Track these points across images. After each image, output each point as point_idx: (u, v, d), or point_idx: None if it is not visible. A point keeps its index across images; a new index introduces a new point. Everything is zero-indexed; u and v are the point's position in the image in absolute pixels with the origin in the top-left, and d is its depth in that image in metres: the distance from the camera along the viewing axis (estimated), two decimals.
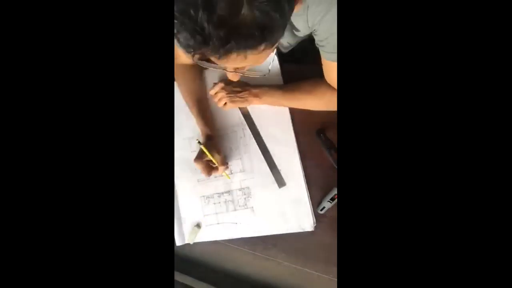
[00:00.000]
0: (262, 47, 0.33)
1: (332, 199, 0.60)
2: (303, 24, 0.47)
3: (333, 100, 0.58)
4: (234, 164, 0.69)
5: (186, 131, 0.72)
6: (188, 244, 0.71)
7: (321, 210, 0.62)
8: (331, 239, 0.62)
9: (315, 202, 0.64)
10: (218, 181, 0.70)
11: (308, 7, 0.44)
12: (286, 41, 0.58)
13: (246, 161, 0.68)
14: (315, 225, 0.63)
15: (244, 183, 0.68)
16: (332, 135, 0.62)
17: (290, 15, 0.36)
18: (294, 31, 0.52)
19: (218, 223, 0.70)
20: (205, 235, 0.70)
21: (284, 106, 0.65)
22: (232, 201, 0.69)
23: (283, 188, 0.65)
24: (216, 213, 0.70)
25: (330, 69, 0.54)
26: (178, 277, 0.69)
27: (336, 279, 0.59)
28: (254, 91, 0.64)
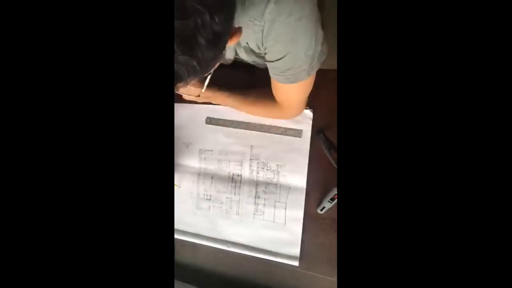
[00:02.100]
0: (190, 81, 0.34)
1: (332, 199, 0.60)
2: (254, 45, 0.47)
3: (276, 112, 0.63)
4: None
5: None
6: (189, 250, 0.71)
7: (321, 210, 0.62)
8: (331, 240, 0.62)
9: (315, 202, 0.64)
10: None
11: (255, 31, 0.43)
12: (243, 57, 0.57)
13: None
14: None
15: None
16: (332, 135, 0.62)
17: (220, 53, 0.35)
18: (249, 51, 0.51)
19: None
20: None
21: (231, 107, 0.68)
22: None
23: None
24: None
25: (277, 89, 0.55)
26: (178, 285, 0.69)
27: (336, 280, 0.59)
28: (207, 94, 0.63)
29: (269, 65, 0.49)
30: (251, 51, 0.49)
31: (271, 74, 0.51)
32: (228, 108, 0.70)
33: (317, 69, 0.50)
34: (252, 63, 0.57)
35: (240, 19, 0.41)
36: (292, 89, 0.53)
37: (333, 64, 0.52)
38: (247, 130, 0.70)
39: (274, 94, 0.59)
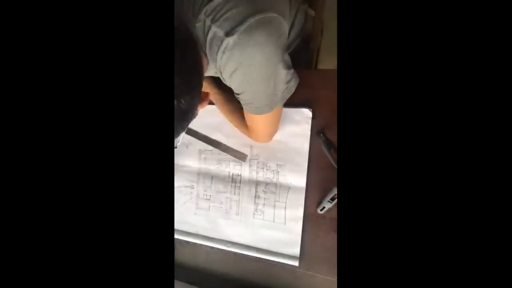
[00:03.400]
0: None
1: (332, 199, 0.60)
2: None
3: (248, 134, 0.66)
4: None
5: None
6: (189, 250, 0.71)
7: (321, 210, 0.62)
8: (331, 240, 0.62)
9: (315, 202, 0.64)
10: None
11: (220, 65, 0.44)
12: None
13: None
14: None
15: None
16: (332, 135, 0.62)
17: (188, 123, 0.41)
18: None
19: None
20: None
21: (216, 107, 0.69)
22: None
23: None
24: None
25: (245, 114, 0.57)
26: (178, 285, 0.69)
27: (336, 280, 0.59)
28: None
29: (237, 96, 0.50)
30: None
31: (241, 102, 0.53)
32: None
33: (282, 103, 0.51)
34: None
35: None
36: (258, 119, 0.54)
37: (333, 64, 0.53)
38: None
39: (248, 123, 0.60)
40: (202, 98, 0.42)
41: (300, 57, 0.68)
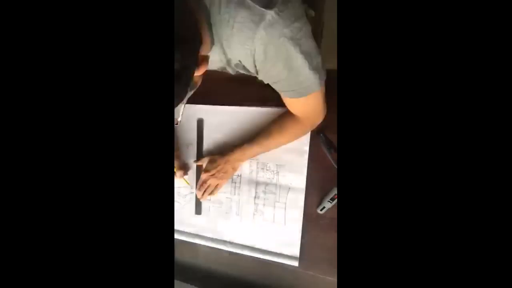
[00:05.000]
0: None
1: (332, 199, 0.60)
2: (248, 65, 0.45)
3: (302, 128, 0.62)
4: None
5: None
6: (189, 250, 0.71)
7: (321, 210, 0.62)
8: (331, 240, 0.62)
9: (315, 202, 0.64)
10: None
11: (246, 54, 0.42)
12: (234, 71, 0.55)
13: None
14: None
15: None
16: (332, 135, 0.62)
17: (186, 86, 0.36)
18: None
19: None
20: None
21: (262, 153, 0.66)
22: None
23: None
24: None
25: (290, 104, 0.55)
26: (178, 285, 0.69)
27: (336, 280, 0.59)
28: (234, 157, 0.65)
29: (272, 85, 0.48)
30: (243, 68, 0.48)
31: (279, 92, 0.50)
32: (223, 108, 0.70)
33: (325, 76, 0.49)
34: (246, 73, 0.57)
35: (230, 42, 0.41)
36: (308, 100, 0.51)
37: (333, 64, 0.52)
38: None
39: (290, 109, 0.58)
40: (201, 60, 0.38)
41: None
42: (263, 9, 0.36)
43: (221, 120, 0.71)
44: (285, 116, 0.61)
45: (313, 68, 0.44)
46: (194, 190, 0.72)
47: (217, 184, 0.67)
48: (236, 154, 0.65)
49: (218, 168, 0.65)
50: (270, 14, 0.36)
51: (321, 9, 0.70)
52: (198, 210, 0.72)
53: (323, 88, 0.51)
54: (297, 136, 0.64)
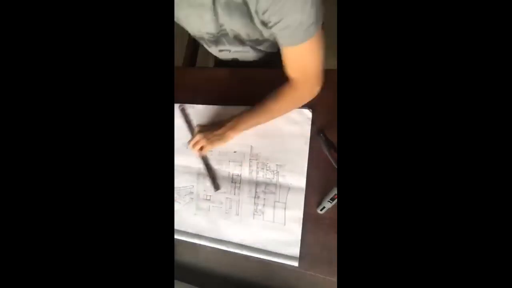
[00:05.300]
0: None
1: (332, 199, 0.60)
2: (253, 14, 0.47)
3: (299, 95, 0.61)
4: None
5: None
6: (189, 250, 0.71)
7: (321, 210, 0.62)
8: (331, 240, 0.62)
9: (315, 202, 0.64)
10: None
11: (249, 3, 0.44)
12: (245, 32, 0.58)
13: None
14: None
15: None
16: (332, 135, 0.62)
17: None
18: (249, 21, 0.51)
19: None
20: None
21: (261, 123, 0.66)
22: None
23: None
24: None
25: (289, 58, 0.55)
26: (178, 285, 0.69)
27: (336, 280, 0.59)
28: (229, 124, 0.65)
29: (274, 31, 0.48)
30: (238, 39, 0.50)
31: (278, 39, 0.51)
32: (224, 108, 0.70)
33: (321, 22, 0.49)
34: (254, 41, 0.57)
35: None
36: (306, 51, 0.52)
37: (333, 64, 0.52)
38: (247, 130, 0.69)
39: (289, 68, 0.58)
40: None
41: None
42: None
43: (217, 120, 0.71)
44: (282, 85, 0.61)
45: (314, 4, 0.45)
46: (194, 189, 0.72)
47: (209, 145, 0.66)
48: (233, 121, 0.64)
49: (213, 130, 0.65)
50: None
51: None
52: (216, 185, 0.71)
53: (322, 46, 0.52)
54: (293, 104, 0.63)
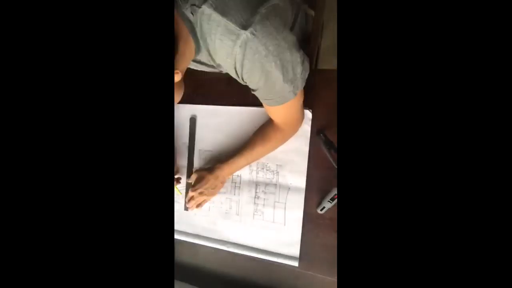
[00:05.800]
0: None
1: (332, 199, 0.60)
2: (234, 75, 0.47)
3: (283, 136, 0.64)
4: None
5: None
6: (189, 250, 0.71)
7: (321, 210, 0.62)
8: (331, 240, 0.62)
9: (315, 202, 0.64)
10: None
11: (229, 67, 0.44)
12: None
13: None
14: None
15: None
16: (332, 135, 0.62)
17: None
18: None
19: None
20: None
21: (249, 164, 0.68)
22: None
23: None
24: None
25: (270, 111, 0.58)
26: (178, 285, 0.69)
27: (336, 280, 0.59)
28: (220, 174, 0.66)
29: (254, 92, 0.50)
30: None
31: (260, 99, 0.52)
32: (224, 108, 0.70)
33: (303, 85, 0.51)
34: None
35: (215, 53, 0.44)
36: (285, 108, 0.54)
37: (333, 64, 0.52)
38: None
39: (270, 116, 0.61)
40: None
41: None
42: (239, 29, 0.39)
43: (217, 120, 0.71)
44: (267, 126, 0.64)
45: (288, 80, 0.47)
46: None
47: (204, 200, 0.68)
48: (225, 171, 0.66)
49: (206, 186, 0.66)
50: (245, 34, 0.39)
51: (321, 9, 0.70)
52: (186, 207, 0.72)
53: (300, 97, 0.55)
54: (279, 144, 0.66)
